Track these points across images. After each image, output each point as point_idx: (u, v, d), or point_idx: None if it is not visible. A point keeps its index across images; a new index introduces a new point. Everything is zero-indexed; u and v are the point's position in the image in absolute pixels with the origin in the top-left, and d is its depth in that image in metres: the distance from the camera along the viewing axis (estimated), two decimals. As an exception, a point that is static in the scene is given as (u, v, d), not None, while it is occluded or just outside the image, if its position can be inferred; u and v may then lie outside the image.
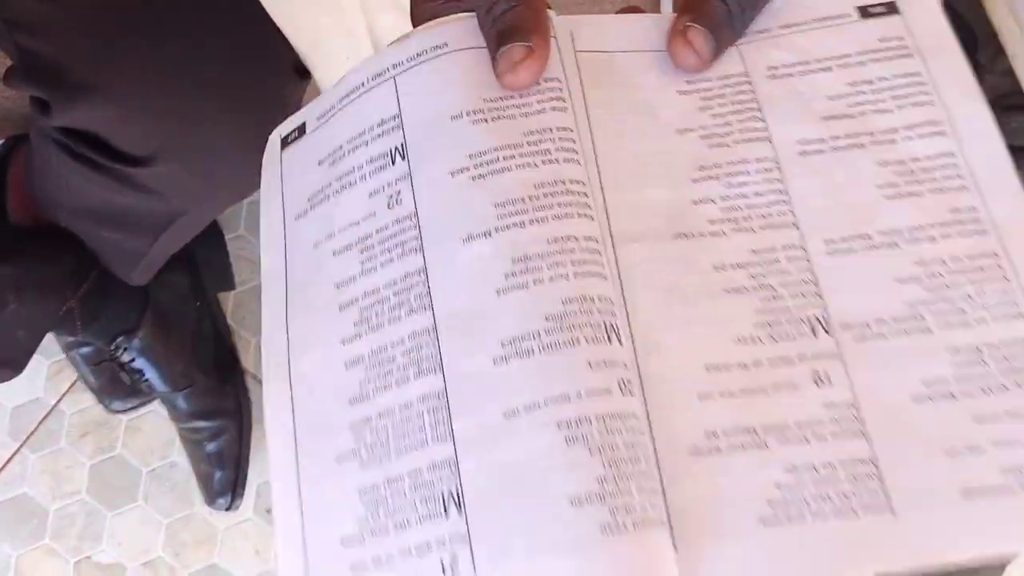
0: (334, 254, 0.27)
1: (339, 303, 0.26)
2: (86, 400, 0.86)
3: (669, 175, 0.26)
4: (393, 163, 0.27)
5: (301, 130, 0.30)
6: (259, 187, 0.31)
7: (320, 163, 0.29)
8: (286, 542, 0.24)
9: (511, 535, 0.21)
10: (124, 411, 0.84)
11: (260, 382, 0.83)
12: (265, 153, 0.31)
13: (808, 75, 0.28)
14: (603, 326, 0.23)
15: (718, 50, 0.27)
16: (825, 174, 0.26)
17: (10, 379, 0.69)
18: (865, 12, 0.28)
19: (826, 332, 0.24)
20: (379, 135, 0.27)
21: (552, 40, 0.27)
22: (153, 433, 0.86)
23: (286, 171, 0.30)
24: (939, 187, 0.25)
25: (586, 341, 0.23)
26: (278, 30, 0.39)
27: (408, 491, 0.23)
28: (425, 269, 0.25)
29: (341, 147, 0.28)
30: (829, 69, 0.27)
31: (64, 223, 0.65)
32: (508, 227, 0.24)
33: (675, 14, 0.28)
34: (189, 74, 0.38)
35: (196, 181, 0.43)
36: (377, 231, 0.26)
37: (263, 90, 0.42)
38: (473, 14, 0.27)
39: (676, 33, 0.27)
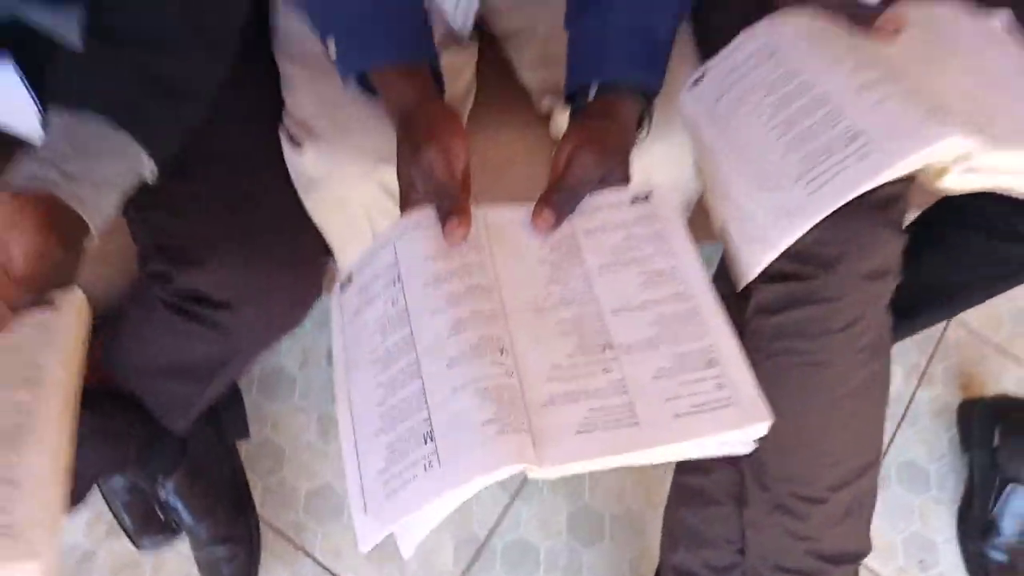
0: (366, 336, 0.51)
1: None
2: (116, 545, 1.02)
3: (533, 284, 0.51)
4: (394, 284, 0.52)
5: (348, 279, 0.55)
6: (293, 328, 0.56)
7: (359, 294, 0.54)
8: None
9: (459, 447, 0.44)
10: (152, 548, 0.99)
11: (266, 518, 1.01)
12: (332, 296, 0.56)
13: (604, 232, 0.54)
14: (500, 349, 0.47)
15: (558, 222, 0.54)
16: (612, 278, 0.51)
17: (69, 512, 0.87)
18: (634, 200, 0.55)
19: (611, 349, 0.48)
20: (388, 271, 0.52)
21: (473, 218, 0.53)
22: (176, 570, 1.01)
23: (344, 304, 0.55)
24: (671, 282, 0.51)
25: (492, 353, 0.46)
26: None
27: (408, 436, 0.45)
28: (412, 333, 0.49)
29: (368, 284, 0.53)
30: (615, 229, 0.54)
31: (130, 385, 0.86)
32: (445, 310, 0.49)
33: (536, 202, 0.55)
34: (268, 240, 0.64)
35: (260, 319, 0.66)
36: (385, 316, 0.51)
37: (310, 255, 0.68)
38: (433, 206, 0.54)
39: (536, 213, 0.54)
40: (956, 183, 0.50)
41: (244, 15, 0.63)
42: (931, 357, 1.24)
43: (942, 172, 0.50)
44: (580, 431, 0.44)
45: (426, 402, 0.45)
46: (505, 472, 0.42)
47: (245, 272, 0.64)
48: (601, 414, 0.44)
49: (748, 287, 0.58)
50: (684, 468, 0.81)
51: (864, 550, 0.77)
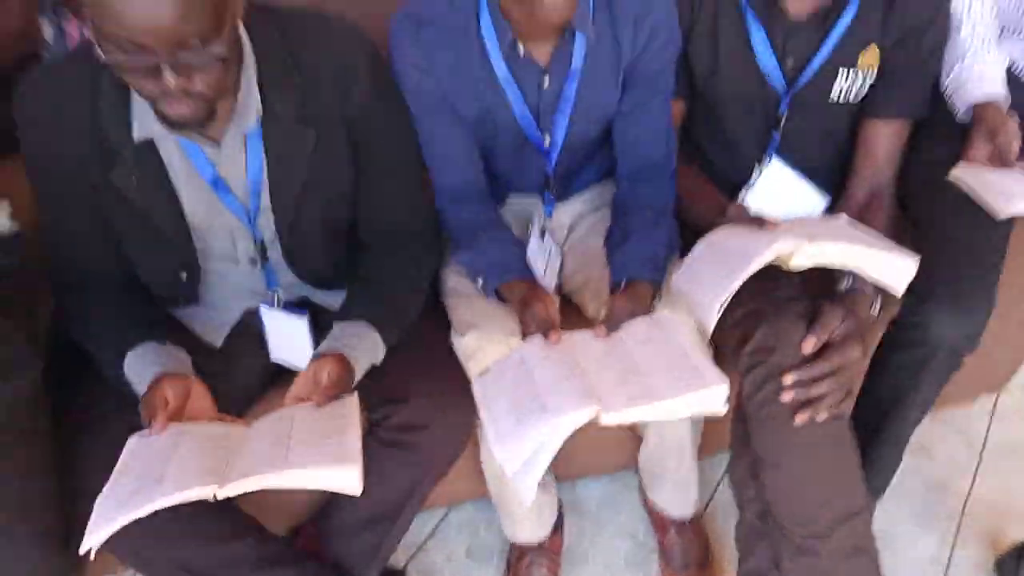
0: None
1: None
2: None
3: (593, 352, 0.96)
4: (521, 365, 0.97)
5: (487, 370, 1.00)
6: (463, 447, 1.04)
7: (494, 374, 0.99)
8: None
9: (561, 402, 0.87)
10: None
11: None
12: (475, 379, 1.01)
13: (632, 328, 0.99)
14: (579, 370, 0.91)
15: (608, 333, 1.00)
16: (634, 341, 0.95)
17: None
18: (649, 322, 1.01)
19: (634, 373, 0.90)
20: (516, 363, 0.98)
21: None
22: None
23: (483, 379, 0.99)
24: (667, 334, 0.94)
25: (576, 375, 0.90)
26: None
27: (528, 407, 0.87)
28: (534, 379, 0.93)
29: (502, 370, 0.98)
30: (640, 325, 0.98)
31: (334, 547, 1.23)
32: (549, 367, 0.94)
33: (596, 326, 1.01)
34: (446, 386, 1.09)
35: (443, 436, 1.08)
36: (515, 379, 0.95)
37: (468, 395, 1.10)
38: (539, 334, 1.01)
39: (596, 329, 1.00)
40: (797, 264, 0.94)
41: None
42: (959, 522, 1.48)
43: (788, 260, 0.94)
44: (621, 398, 0.85)
45: (540, 397, 0.87)
46: (585, 414, 0.82)
47: (434, 403, 1.08)
48: (627, 390, 0.86)
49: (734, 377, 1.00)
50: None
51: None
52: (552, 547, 1.38)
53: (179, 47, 0.85)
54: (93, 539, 0.85)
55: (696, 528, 1.38)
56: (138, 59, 0.85)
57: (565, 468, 1.47)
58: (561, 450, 1.30)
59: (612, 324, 1.05)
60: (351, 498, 1.17)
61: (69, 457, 1.01)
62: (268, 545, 1.17)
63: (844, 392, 0.99)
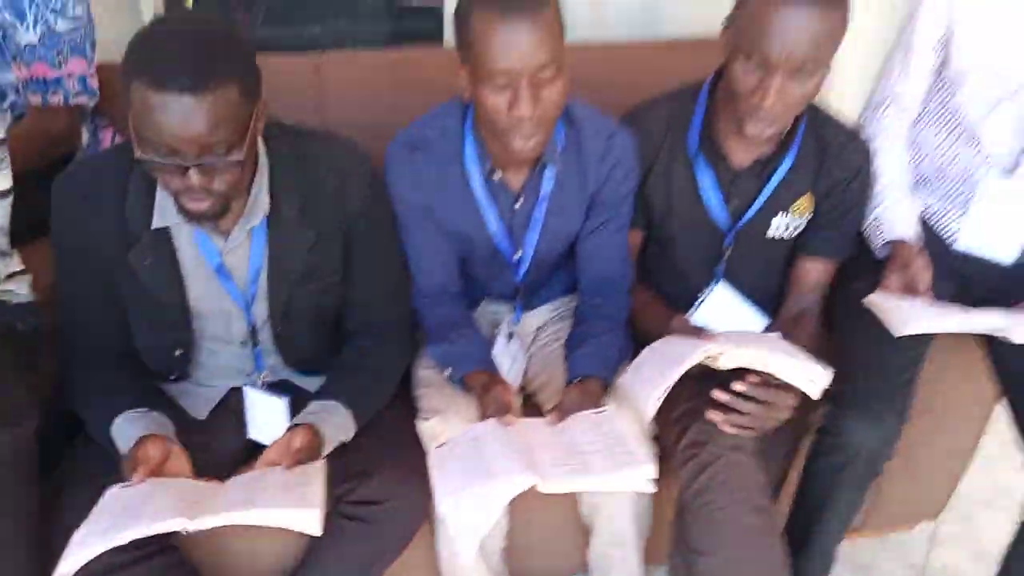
0: None
1: None
2: None
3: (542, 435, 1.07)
4: (474, 441, 1.07)
5: (444, 443, 1.10)
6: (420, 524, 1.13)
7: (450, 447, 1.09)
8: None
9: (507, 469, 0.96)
10: None
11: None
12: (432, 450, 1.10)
13: (579, 420, 1.10)
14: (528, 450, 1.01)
15: (559, 420, 1.11)
16: (581, 429, 1.07)
17: None
18: (596, 412, 1.12)
19: (576, 452, 1.01)
20: (471, 438, 1.09)
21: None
22: None
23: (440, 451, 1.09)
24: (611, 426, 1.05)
25: (524, 456, 1.01)
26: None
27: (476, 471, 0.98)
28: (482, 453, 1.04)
29: (456, 443, 1.09)
30: (586, 420, 1.10)
31: None
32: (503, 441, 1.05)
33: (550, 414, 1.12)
34: (406, 465, 1.18)
35: (401, 512, 1.15)
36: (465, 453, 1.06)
37: (425, 475, 1.19)
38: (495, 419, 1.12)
39: (551, 416, 1.11)
40: (724, 364, 1.08)
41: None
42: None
43: (717, 360, 1.07)
44: (560, 472, 0.95)
45: (487, 464, 0.97)
46: (527, 480, 0.92)
47: (395, 480, 1.17)
48: (566, 465, 0.95)
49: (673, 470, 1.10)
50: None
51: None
52: (502, 645, 1.41)
53: (205, 153, 1.01)
54: (68, 564, 0.92)
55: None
56: (169, 160, 1.01)
57: (519, 570, 1.52)
58: (515, 552, 1.39)
59: (562, 413, 1.16)
60: (306, 574, 1.25)
61: (51, 506, 1.09)
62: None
63: (760, 423, 1.11)
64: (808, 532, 1.33)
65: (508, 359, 1.39)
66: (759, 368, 1.11)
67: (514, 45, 1.09)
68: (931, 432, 1.55)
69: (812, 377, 1.08)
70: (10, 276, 1.19)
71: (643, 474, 1.00)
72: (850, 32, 1.15)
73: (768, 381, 1.10)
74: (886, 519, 1.70)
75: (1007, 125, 1.29)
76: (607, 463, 1.01)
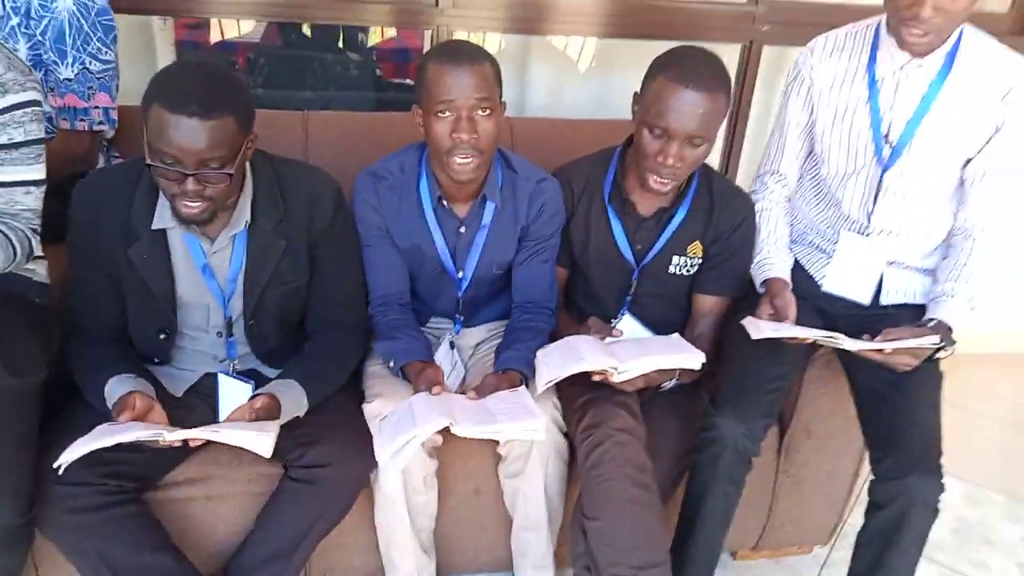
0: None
1: None
2: None
3: (460, 405, 1.30)
4: (408, 410, 1.30)
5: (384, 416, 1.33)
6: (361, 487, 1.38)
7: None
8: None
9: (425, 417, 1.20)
10: None
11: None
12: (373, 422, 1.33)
13: (495, 395, 1.34)
14: (448, 414, 1.25)
15: (479, 397, 1.35)
16: (493, 399, 1.30)
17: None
18: (509, 389, 1.36)
19: (488, 413, 1.24)
20: (406, 409, 1.31)
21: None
22: None
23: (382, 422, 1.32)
24: (513, 402, 1.29)
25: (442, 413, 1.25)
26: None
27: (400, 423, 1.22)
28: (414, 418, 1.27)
29: (394, 414, 1.32)
30: (500, 394, 1.34)
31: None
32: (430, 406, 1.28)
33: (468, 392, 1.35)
34: (351, 433, 1.39)
35: (346, 474, 1.36)
36: (398, 419, 1.28)
37: (369, 442, 1.39)
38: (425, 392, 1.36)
39: (470, 393, 1.34)
40: (618, 380, 1.33)
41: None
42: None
43: (610, 376, 1.34)
44: (471, 421, 1.18)
45: (414, 416, 1.20)
46: (443, 423, 1.16)
47: (339, 447, 1.38)
48: (477, 418, 1.18)
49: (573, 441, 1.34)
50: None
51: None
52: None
53: (202, 166, 1.27)
54: (68, 455, 1.12)
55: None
56: (172, 168, 1.27)
57: (449, 564, 1.70)
58: (445, 545, 1.58)
59: (481, 391, 1.39)
60: (256, 538, 1.44)
61: (47, 443, 1.29)
62: (182, 567, 1.40)
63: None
64: (693, 524, 1.54)
65: (448, 364, 1.62)
66: (647, 370, 1.38)
67: (455, 83, 1.40)
68: (813, 457, 1.79)
69: (690, 359, 1.38)
70: (35, 258, 1.42)
71: (537, 424, 1.23)
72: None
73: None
74: (781, 540, 1.90)
75: (857, 194, 1.60)
76: (508, 416, 1.25)
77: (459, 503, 1.63)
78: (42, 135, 1.34)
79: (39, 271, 1.45)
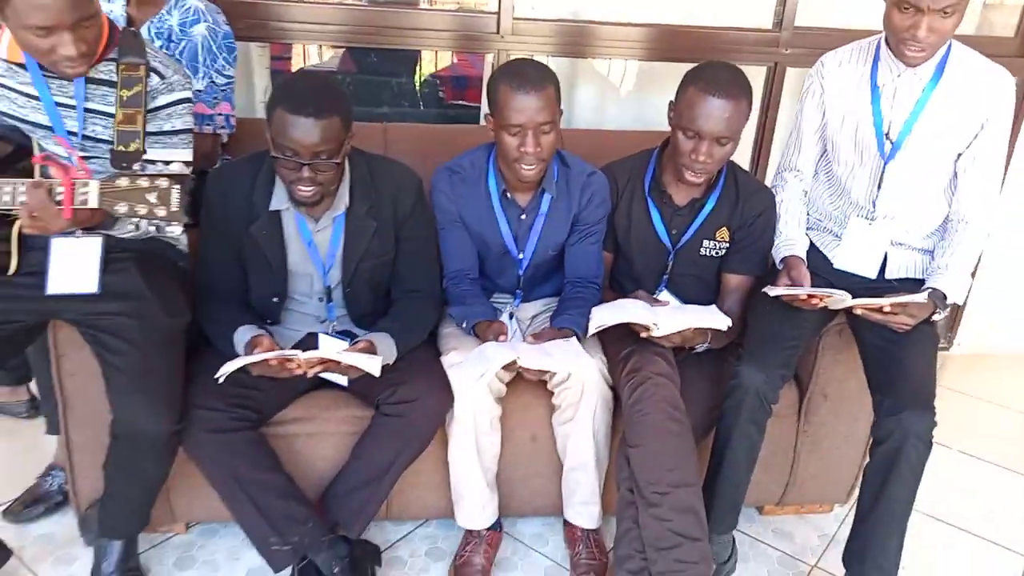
0: None
1: None
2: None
3: (523, 347, 1.59)
4: (481, 355, 1.59)
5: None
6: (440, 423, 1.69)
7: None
8: None
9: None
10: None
11: None
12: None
13: (553, 342, 1.62)
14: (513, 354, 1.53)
15: (537, 341, 1.63)
16: (552, 344, 1.58)
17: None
18: (566, 339, 1.64)
19: (547, 354, 1.52)
20: (479, 353, 1.61)
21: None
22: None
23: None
24: (566, 347, 1.57)
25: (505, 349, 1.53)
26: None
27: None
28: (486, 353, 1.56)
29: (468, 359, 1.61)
30: (556, 339, 1.62)
31: (331, 508, 1.73)
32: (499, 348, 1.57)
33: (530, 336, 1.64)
34: (434, 378, 1.69)
35: (429, 409, 1.64)
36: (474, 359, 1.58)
37: (448, 386, 1.69)
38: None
39: (530, 339, 1.63)
40: (656, 334, 1.61)
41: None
42: (803, 585, 1.92)
43: (650, 331, 1.62)
44: (533, 356, 1.46)
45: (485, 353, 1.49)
46: (510, 356, 1.46)
47: (422, 386, 1.67)
48: (536, 355, 1.48)
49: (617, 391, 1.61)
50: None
51: (704, 537, 1.52)
52: (491, 540, 1.84)
53: (315, 156, 1.58)
54: (227, 368, 1.44)
55: (597, 540, 1.85)
56: (291, 159, 1.58)
57: (507, 506, 1.95)
58: (504, 489, 1.85)
59: (539, 337, 1.67)
60: (351, 467, 1.73)
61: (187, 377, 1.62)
62: (293, 486, 1.69)
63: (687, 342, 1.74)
64: (721, 463, 1.78)
65: (509, 333, 1.90)
66: (683, 328, 1.65)
67: (525, 108, 1.69)
68: (830, 419, 2.02)
69: (719, 322, 1.65)
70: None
71: (586, 363, 1.53)
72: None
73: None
74: (803, 497, 2.13)
75: (863, 185, 1.86)
76: (564, 355, 1.53)
77: (518, 448, 1.89)
78: (191, 126, 1.67)
79: (183, 240, 1.78)
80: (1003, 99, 1.71)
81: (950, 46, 1.73)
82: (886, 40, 1.74)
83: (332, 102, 1.58)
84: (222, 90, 2.00)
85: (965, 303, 3.11)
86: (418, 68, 3.54)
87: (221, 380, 1.50)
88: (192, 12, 1.94)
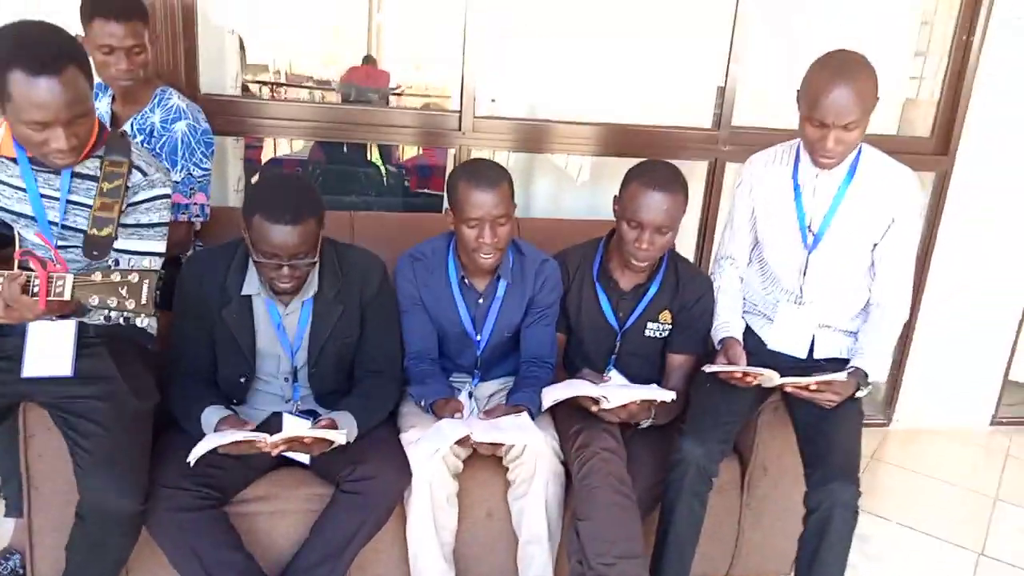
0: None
1: None
2: None
3: (475, 426, 1.69)
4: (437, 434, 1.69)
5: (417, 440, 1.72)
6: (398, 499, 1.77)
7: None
8: None
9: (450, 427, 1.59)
10: None
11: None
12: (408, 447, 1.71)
13: (501, 420, 1.73)
14: (466, 434, 1.64)
15: (488, 417, 1.74)
16: (503, 422, 1.69)
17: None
18: (516, 414, 1.75)
19: (497, 429, 1.63)
20: (435, 432, 1.71)
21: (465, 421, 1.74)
22: None
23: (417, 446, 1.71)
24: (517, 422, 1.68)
25: (458, 430, 1.63)
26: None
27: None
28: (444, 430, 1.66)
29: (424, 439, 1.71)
30: (505, 419, 1.73)
31: None
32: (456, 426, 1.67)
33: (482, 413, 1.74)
34: (393, 455, 1.76)
35: (387, 487, 1.71)
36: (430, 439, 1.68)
37: (406, 462, 1.76)
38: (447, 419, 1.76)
39: (483, 415, 1.73)
40: (605, 406, 1.72)
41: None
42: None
43: (599, 404, 1.73)
44: (483, 429, 1.56)
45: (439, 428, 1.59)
46: (463, 431, 1.55)
47: (381, 463, 1.75)
48: (487, 428, 1.57)
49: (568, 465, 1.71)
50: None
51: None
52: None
53: (294, 257, 1.71)
54: (198, 450, 1.51)
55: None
56: (273, 260, 1.70)
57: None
58: (462, 565, 1.93)
59: (491, 414, 1.77)
60: (312, 543, 1.79)
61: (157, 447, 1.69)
62: (254, 564, 1.74)
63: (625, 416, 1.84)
64: (666, 535, 1.87)
65: (467, 410, 2.00)
66: (630, 400, 1.78)
67: (481, 203, 1.85)
68: (770, 492, 2.13)
69: (664, 395, 1.79)
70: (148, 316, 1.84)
71: (537, 438, 1.65)
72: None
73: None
74: (748, 569, 2.21)
75: (791, 272, 2.03)
76: (514, 429, 1.64)
77: (475, 524, 1.96)
78: (168, 219, 1.78)
79: (152, 325, 1.87)
80: (908, 196, 1.92)
81: (861, 149, 1.94)
82: (804, 146, 1.95)
83: (308, 206, 1.70)
84: (198, 181, 2.13)
85: (901, 380, 3.30)
86: (373, 151, 3.71)
87: (192, 463, 1.56)
88: (174, 110, 2.09)
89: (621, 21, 2.96)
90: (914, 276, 3.11)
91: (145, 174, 1.70)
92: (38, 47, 1.45)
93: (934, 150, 3.08)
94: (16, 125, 1.50)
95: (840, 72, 1.73)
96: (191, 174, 2.11)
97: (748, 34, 2.78)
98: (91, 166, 1.66)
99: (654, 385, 1.92)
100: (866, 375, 1.86)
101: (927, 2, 3.21)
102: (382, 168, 3.46)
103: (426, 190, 3.41)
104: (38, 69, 1.43)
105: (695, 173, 3.04)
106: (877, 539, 2.59)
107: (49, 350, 1.62)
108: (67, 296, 1.43)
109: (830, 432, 1.81)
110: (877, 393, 3.43)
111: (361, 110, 2.73)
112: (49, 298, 1.43)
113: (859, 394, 1.85)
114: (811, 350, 2.04)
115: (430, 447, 1.64)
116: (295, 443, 1.65)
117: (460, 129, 2.66)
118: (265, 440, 1.58)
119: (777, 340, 2.05)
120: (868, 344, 1.92)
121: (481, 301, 2.03)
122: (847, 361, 1.95)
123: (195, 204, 2.13)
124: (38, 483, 1.77)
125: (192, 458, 1.56)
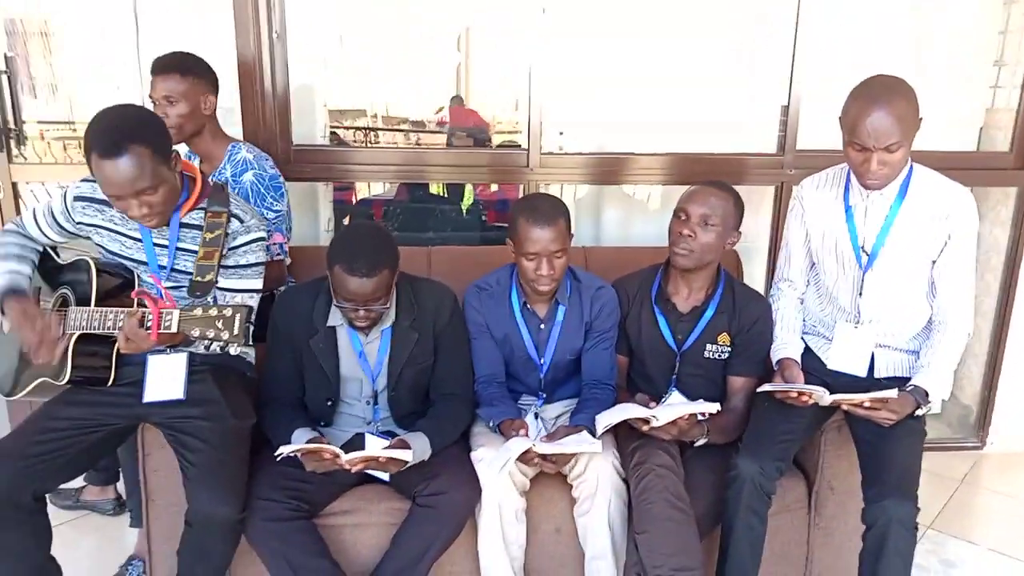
0: None
1: None
2: None
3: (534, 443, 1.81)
4: (502, 445, 1.83)
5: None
6: (469, 514, 1.91)
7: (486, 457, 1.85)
8: None
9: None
10: None
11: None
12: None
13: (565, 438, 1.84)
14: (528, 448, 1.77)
15: (550, 440, 1.85)
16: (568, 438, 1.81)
17: None
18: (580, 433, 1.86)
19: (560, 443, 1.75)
20: (504, 448, 1.84)
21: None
22: None
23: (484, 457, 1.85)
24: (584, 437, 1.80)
25: (522, 443, 1.76)
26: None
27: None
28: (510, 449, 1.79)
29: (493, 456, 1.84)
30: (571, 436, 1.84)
31: None
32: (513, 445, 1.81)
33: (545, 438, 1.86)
34: (464, 472, 1.91)
35: (457, 501, 1.85)
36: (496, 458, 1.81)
37: (476, 479, 1.91)
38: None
39: (545, 439, 1.85)
40: (655, 425, 1.81)
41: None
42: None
43: (648, 424, 1.82)
44: (546, 444, 1.68)
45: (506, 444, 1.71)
46: (527, 444, 1.68)
47: (453, 479, 1.89)
48: (550, 443, 1.69)
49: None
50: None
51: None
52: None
53: (370, 303, 1.90)
54: (286, 449, 1.74)
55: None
56: (351, 305, 1.88)
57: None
58: (535, 572, 2.02)
59: (553, 437, 1.88)
60: (391, 554, 1.94)
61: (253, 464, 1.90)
62: (339, 571, 1.91)
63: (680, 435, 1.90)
64: (726, 552, 1.92)
65: (534, 431, 2.13)
66: (673, 416, 1.86)
67: (538, 239, 2.00)
68: (838, 512, 2.14)
69: (708, 407, 1.86)
70: (248, 346, 2.07)
71: (599, 456, 1.79)
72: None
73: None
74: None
75: (847, 292, 2.06)
76: (574, 442, 1.74)
77: (544, 539, 2.07)
78: (264, 260, 2.01)
79: (251, 355, 2.10)
80: (963, 214, 1.92)
81: (912, 168, 1.96)
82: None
83: (382, 259, 1.87)
84: (272, 223, 2.36)
85: (993, 401, 3.18)
86: (464, 193, 3.95)
87: (279, 458, 1.78)
88: (242, 163, 2.33)
89: (682, 46, 3.03)
90: (1002, 294, 3.06)
91: (242, 221, 1.93)
92: (104, 133, 1.69)
93: (1014, 164, 3.00)
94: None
95: (878, 95, 1.78)
96: (264, 217, 2.35)
97: (809, 55, 2.81)
98: (196, 217, 1.91)
99: (701, 400, 1.99)
100: (926, 393, 1.86)
101: (1001, 12, 3.15)
102: (462, 204, 3.69)
103: (502, 223, 3.60)
104: (101, 153, 1.67)
105: (762, 197, 3.09)
106: (965, 564, 2.53)
107: (166, 378, 1.87)
108: (174, 329, 1.66)
109: (887, 449, 1.83)
110: (969, 416, 3.32)
111: (437, 152, 2.94)
112: (160, 331, 1.67)
113: (919, 412, 1.85)
114: (871, 369, 2.05)
115: (497, 463, 1.78)
116: (371, 462, 1.82)
117: (528, 166, 2.82)
118: (340, 455, 1.76)
119: (836, 360, 2.07)
120: (928, 362, 1.93)
121: (543, 327, 2.16)
122: (909, 380, 1.96)
123: (274, 244, 2.36)
124: (154, 495, 2.01)
125: (280, 454, 1.77)
